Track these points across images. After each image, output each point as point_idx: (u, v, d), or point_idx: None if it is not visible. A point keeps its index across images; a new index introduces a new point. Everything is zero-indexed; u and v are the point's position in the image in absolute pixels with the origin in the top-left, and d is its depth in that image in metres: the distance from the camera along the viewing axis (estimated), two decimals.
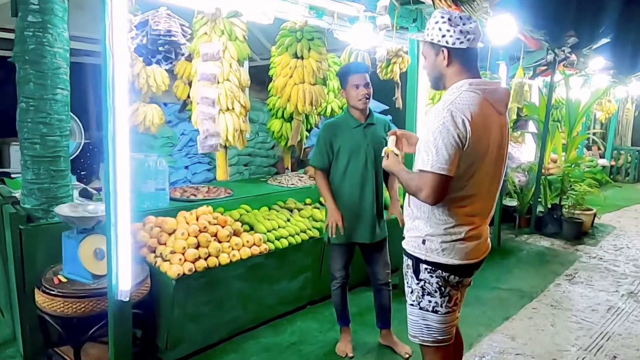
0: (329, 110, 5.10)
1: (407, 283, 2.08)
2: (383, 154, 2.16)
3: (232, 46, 3.12)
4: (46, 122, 2.79)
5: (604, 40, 5.85)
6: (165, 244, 2.94)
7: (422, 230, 1.97)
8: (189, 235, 2.95)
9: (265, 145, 6.84)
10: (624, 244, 6.14)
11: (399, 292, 3.15)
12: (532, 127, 7.36)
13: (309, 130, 4.69)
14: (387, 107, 6.77)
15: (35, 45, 2.69)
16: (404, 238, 2.12)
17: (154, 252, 2.95)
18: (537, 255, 5.56)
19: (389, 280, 3.12)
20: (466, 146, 1.78)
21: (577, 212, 6.44)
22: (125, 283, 2.23)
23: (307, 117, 4.41)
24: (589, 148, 11.09)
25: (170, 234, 2.99)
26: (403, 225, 2.84)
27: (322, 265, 3.76)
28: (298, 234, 3.57)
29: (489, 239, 2.05)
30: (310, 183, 4.57)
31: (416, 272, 2.00)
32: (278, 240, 3.43)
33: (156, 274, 2.83)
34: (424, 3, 3.69)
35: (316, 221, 3.90)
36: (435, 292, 1.98)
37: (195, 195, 3.73)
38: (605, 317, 3.91)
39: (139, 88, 3.16)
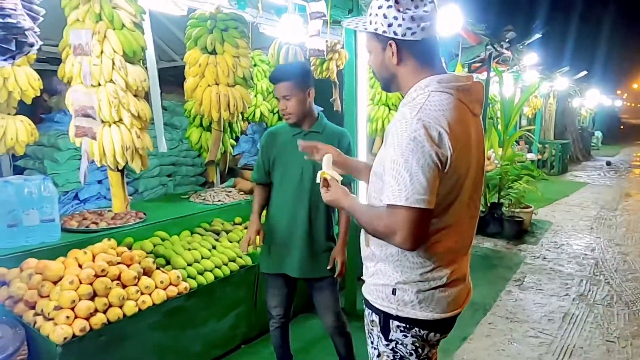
0: (257, 114, 4.54)
1: (372, 343, 1.59)
2: (318, 180, 1.61)
3: (114, 36, 2.36)
4: None
5: (537, 36, 5.76)
6: (48, 296, 2.25)
7: (390, 276, 1.49)
8: (80, 282, 2.28)
9: (191, 153, 6.13)
10: (564, 241, 6.11)
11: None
12: None
13: (236, 139, 4.09)
14: (322, 109, 6.31)
15: None
16: (361, 281, 1.63)
17: (34, 308, 2.25)
18: (483, 259, 5.35)
19: (343, 329, 2.57)
20: (447, 167, 1.32)
21: (517, 210, 6.35)
22: None
23: (230, 124, 3.79)
24: (517, 143, 11.34)
25: (55, 283, 2.31)
26: (338, 276, 2.35)
27: (256, 296, 3.22)
28: (226, 264, 3.00)
29: (469, 279, 1.61)
30: (240, 198, 4.00)
31: (384, 330, 1.52)
32: (201, 274, 2.84)
33: (35, 339, 2.15)
34: None
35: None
36: (411, 355, 1.51)
37: (96, 224, 3.03)
38: (563, 328, 3.68)
39: None
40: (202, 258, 2.94)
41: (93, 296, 2.29)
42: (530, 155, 10.65)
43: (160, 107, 3.00)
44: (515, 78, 7.71)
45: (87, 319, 2.22)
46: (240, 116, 3.46)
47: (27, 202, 2.69)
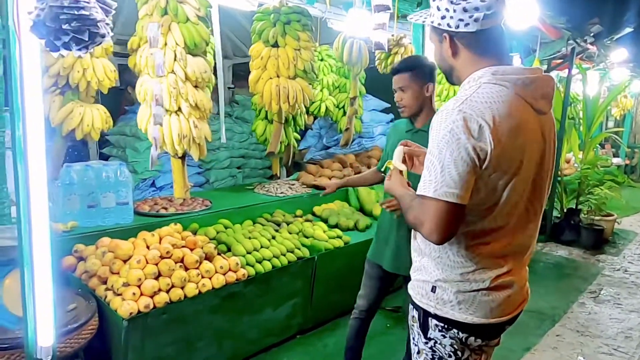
0: (322, 109, 4.57)
1: (414, 340, 1.56)
2: (383, 168, 1.64)
3: (177, 29, 2.47)
4: None
5: (627, 30, 5.30)
6: (118, 273, 2.42)
7: (431, 273, 1.45)
8: (147, 262, 2.43)
9: (260, 147, 6.32)
10: None
11: (402, 316, 2.65)
12: None
13: (301, 133, 4.14)
14: (388, 105, 6.24)
15: None
16: (408, 278, 1.61)
17: (106, 283, 2.43)
18: (555, 267, 5.03)
19: None
20: (485, 163, 1.25)
21: (596, 218, 5.90)
22: (46, 337, 1.72)
23: (294, 117, 3.84)
24: (602, 146, 10.53)
25: (125, 261, 2.48)
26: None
27: (313, 288, 3.25)
28: (284, 255, 3.05)
29: (526, 286, 1.52)
30: (302, 191, 4.06)
31: (423, 328, 1.49)
32: (260, 263, 2.91)
33: (105, 312, 2.32)
34: None
35: (306, 237, 3.38)
36: (450, 356, 1.46)
37: (166, 209, 3.21)
38: None
39: (73, 84, 2.63)
40: (262, 247, 3.02)
41: (158, 276, 2.43)
42: (616, 160, 9.86)
43: (223, 99, 3.10)
44: (601, 76, 7.15)
45: (152, 296, 2.35)
46: (302, 109, 3.50)
47: (105, 185, 2.91)
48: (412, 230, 1.57)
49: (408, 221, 1.39)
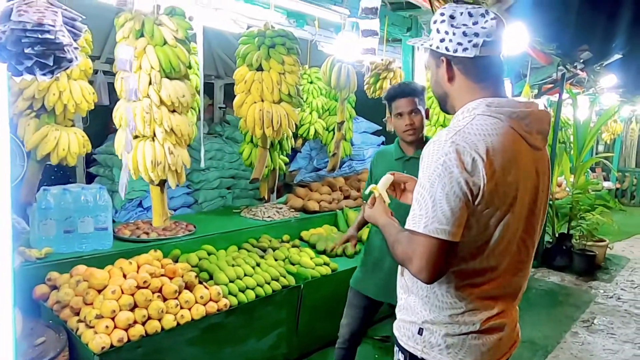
0: (311, 132, 4.51)
1: None
2: (367, 192, 1.57)
3: (152, 52, 2.40)
4: None
5: (616, 56, 5.34)
6: (92, 304, 2.31)
7: (418, 313, 1.36)
8: (122, 293, 2.32)
9: (250, 168, 6.27)
10: None
11: (391, 345, 2.56)
12: None
13: (288, 156, 4.07)
14: (379, 128, 6.21)
15: None
16: (393, 315, 1.51)
17: (78, 314, 2.31)
18: (548, 294, 4.95)
19: None
20: (478, 199, 1.19)
21: (588, 243, 5.85)
22: None
23: (280, 142, 3.78)
24: (592, 170, 10.56)
25: (100, 291, 2.36)
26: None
27: (299, 317, 3.14)
28: (269, 283, 2.95)
29: (517, 328, 1.44)
30: (290, 215, 3.98)
31: None
32: (243, 292, 2.80)
33: (76, 346, 2.20)
34: (420, 9, 3.15)
35: (293, 264, 3.28)
36: None
37: (147, 234, 3.11)
38: None
39: (49, 107, 2.54)
40: (245, 275, 2.91)
41: (133, 307, 2.32)
42: (607, 184, 9.88)
43: (202, 122, 3.04)
44: (591, 101, 7.19)
45: (126, 329, 2.24)
46: (288, 133, 3.44)
47: (84, 209, 2.81)
48: (399, 267, 1.48)
49: (395, 255, 1.30)
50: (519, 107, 1.27)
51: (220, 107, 6.75)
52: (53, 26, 1.20)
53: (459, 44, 1.28)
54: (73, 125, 2.80)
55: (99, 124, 4.88)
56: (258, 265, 3.10)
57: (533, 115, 1.28)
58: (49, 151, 2.60)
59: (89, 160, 5.33)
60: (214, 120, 6.55)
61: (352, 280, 2.56)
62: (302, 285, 3.09)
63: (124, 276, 2.46)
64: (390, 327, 2.87)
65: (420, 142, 2.35)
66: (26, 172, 2.70)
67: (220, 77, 6.50)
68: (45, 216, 2.69)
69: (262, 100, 3.17)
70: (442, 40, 1.31)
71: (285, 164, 4.24)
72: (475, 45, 1.27)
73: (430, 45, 1.35)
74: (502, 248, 1.27)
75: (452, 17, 1.29)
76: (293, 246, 3.59)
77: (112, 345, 2.17)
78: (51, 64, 1.23)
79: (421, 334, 1.35)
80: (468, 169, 1.16)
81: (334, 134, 4.97)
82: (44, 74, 1.25)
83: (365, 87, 4.24)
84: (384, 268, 2.38)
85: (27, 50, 1.18)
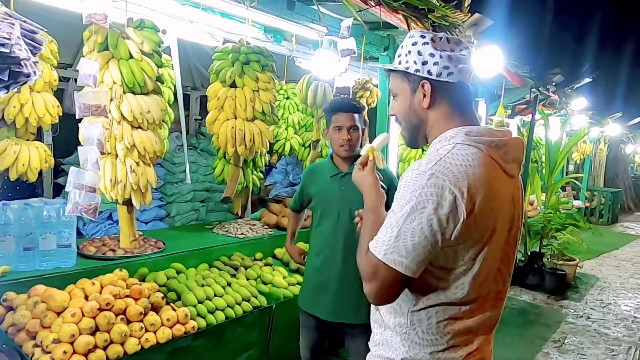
0: (287, 147, 4.47)
1: None
2: (363, 152, 1.43)
3: (114, 66, 2.31)
4: None
5: (587, 80, 5.49)
6: (49, 327, 2.19)
7: (396, 350, 1.30)
8: (83, 315, 2.21)
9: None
10: (611, 300, 5.63)
11: None
12: None
13: (268, 168, 4.01)
14: None
15: None
16: (367, 349, 1.45)
17: (35, 338, 2.19)
18: (520, 313, 4.99)
19: None
20: (455, 233, 1.15)
21: (559, 262, 5.94)
22: None
23: (254, 159, 3.71)
24: (563, 189, 10.81)
25: (59, 313, 2.24)
26: None
27: (269, 338, 3.05)
28: (239, 304, 2.86)
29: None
30: (263, 232, 3.89)
31: None
32: (212, 313, 2.71)
33: None
34: (397, 29, 3.16)
35: (265, 284, 3.21)
36: None
37: (114, 251, 2.98)
38: None
39: (9, 120, 2.42)
40: (215, 295, 2.82)
41: (95, 331, 2.20)
42: (576, 203, 10.11)
43: (186, 137, 2.95)
44: (562, 122, 7.37)
45: (86, 355, 2.12)
46: (263, 150, 3.38)
47: (46, 225, 2.68)
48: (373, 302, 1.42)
49: (357, 256, 1.26)
50: (497, 135, 1.25)
51: (195, 119, 6.65)
52: (8, 39, 1.12)
53: (445, 67, 1.24)
54: (39, 136, 2.66)
55: (70, 133, 4.73)
56: (229, 284, 3.01)
57: (510, 144, 1.26)
58: (8, 166, 2.47)
59: (57, 170, 5.16)
60: (189, 132, 6.45)
61: (300, 300, 2.52)
62: (274, 306, 3.02)
63: (86, 297, 2.34)
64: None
65: (354, 158, 2.36)
66: None
67: (196, 89, 6.41)
68: (3, 232, 2.55)
69: (235, 118, 3.10)
70: (424, 63, 1.25)
71: (260, 179, 4.17)
72: (460, 71, 1.25)
73: (407, 68, 1.28)
74: (481, 280, 1.24)
75: (433, 40, 1.26)
76: (266, 264, 3.51)
77: None
78: (6, 78, 1.15)
79: None
80: (444, 204, 1.12)
81: (309, 150, 4.93)
82: None
83: None
84: (330, 289, 2.35)
85: None
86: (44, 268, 2.64)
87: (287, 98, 4.73)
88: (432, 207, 1.12)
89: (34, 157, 2.52)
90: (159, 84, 2.54)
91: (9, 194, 4.26)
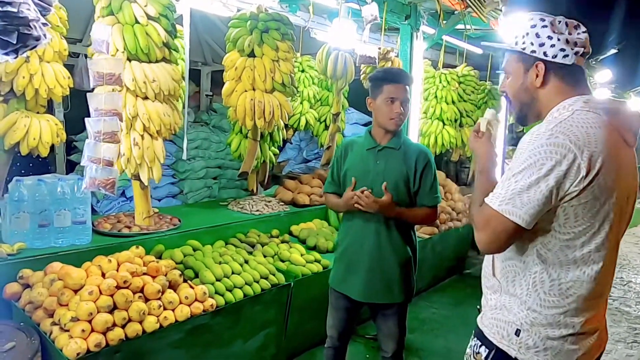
0: (302, 122, 4.35)
1: None
2: (473, 129, 1.57)
3: (117, 32, 2.17)
4: None
5: (612, 51, 5.26)
6: (67, 305, 2.14)
7: (516, 314, 1.35)
8: (100, 293, 2.16)
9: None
10: (631, 278, 5.52)
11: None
12: None
13: (279, 147, 3.91)
14: (371, 119, 6.07)
15: None
16: (479, 310, 1.52)
17: (52, 316, 2.15)
18: None
19: (399, 357, 2.39)
20: (576, 192, 1.21)
21: None
22: None
23: (270, 133, 3.60)
24: None
25: (76, 291, 2.20)
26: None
27: (287, 317, 3.01)
28: (257, 282, 2.81)
29: (604, 330, 1.42)
30: (279, 209, 3.83)
31: None
32: (230, 291, 2.66)
33: (49, 351, 2.04)
34: None
35: (282, 261, 3.15)
36: None
37: (129, 228, 2.93)
38: None
39: (18, 92, 2.32)
40: (233, 273, 2.77)
41: (113, 309, 2.16)
42: None
43: (186, 111, 2.83)
44: None
45: (104, 333, 2.08)
46: (280, 124, 3.26)
47: (60, 202, 2.63)
48: (488, 267, 1.47)
49: (470, 212, 1.40)
50: (614, 104, 1.34)
51: (207, 95, 6.55)
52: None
53: (562, 49, 1.31)
54: (50, 112, 2.57)
55: (81, 109, 4.66)
56: (246, 262, 2.95)
57: (627, 112, 1.33)
58: (18, 140, 2.37)
59: (70, 147, 5.12)
60: (200, 108, 6.36)
61: (331, 279, 2.44)
62: (292, 284, 2.96)
63: (103, 275, 2.29)
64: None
65: (395, 133, 2.25)
66: None
67: (207, 64, 6.30)
68: (18, 209, 2.51)
69: (254, 89, 2.96)
70: (541, 45, 1.32)
71: (275, 154, 4.08)
72: (576, 53, 1.31)
73: (523, 49, 1.35)
74: (602, 244, 1.28)
75: (552, 24, 1.32)
76: (282, 241, 3.45)
77: (88, 351, 2.01)
78: (14, 41, 1.06)
79: (518, 335, 1.35)
80: (563, 162, 1.19)
81: (325, 125, 4.82)
82: (7, 54, 1.08)
83: (362, 77, 4.09)
84: (362, 267, 2.27)
85: None
86: (59, 245, 2.61)
87: (302, 71, 4.59)
88: (550, 164, 1.19)
89: (45, 131, 2.43)
90: (172, 52, 2.41)
91: (22, 171, 4.23)
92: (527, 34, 1.34)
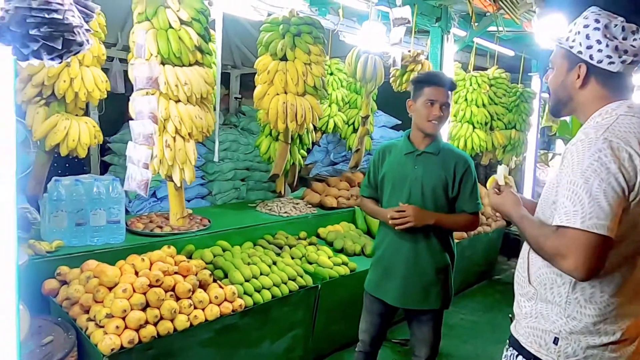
0: (330, 125, 4.36)
1: None
2: (489, 186, 1.58)
3: (152, 37, 2.23)
4: None
5: None
6: (102, 302, 2.21)
7: (554, 322, 1.33)
8: (134, 291, 2.21)
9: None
10: None
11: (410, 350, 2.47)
12: (560, 146, 6.68)
13: (307, 150, 3.93)
14: (399, 122, 6.04)
15: None
16: (511, 319, 1.50)
17: (88, 312, 2.22)
18: None
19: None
20: (632, 195, 1.20)
21: None
22: None
23: (300, 135, 3.63)
24: None
25: (110, 288, 2.26)
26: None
27: (315, 319, 3.02)
28: (285, 283, 2.82)
29: None
30: (307, 211, 3.84)
31: None
32: (259, 292, 2.68)
33: (85, 346, 2.10)
34: None
35: (310, 263, 3.16)
36: None
37: (161, 228, 3.00)
38: None
39: (59, 95, 2.42)
40: (261, 274, 2.79)
41: (145, 307, 2.21)
42: None
43: (218, 113, 2.87)
44: None
45: (137, 330, 2.13)
46: (310, 127, 3.29)
47: (96, 201, 2.71)
48: (523, 274, 1.43)
49: (538, 249, 1.30)
50: None
51: (236, 98, 6.64)
52: (61, 5, 1.07)
53: (608, 56, 1.28)
54: (85, 114, 2.67)
55: (115, 112, 4.80)
56: (274, 263, 2.98)
57: None
58: (58, 142, 2.47)
59: (104, 148, 5.26)
60: (229, 111, 6.45)
61: (367, 283, 2.43)
62: (319, 286, 2.97)
63: (136, 273, 2.35)
64: (408, 331, 2.77)
65: (434, 138, 2.24)
66: (34, 163, 2.58)
67: (236, 67, 6.38)
68: (56, 208, 2.59)
69: (286, 92, 3.00)
70: (589, 47, 1.30)
71: (303, 157, 4.11)
72: (623, 62, 1.28)
73: (571, 47, 1.34)
74: None
75: (606, 27, 1.28)
76: (310, 244, 3.46)
77: (122, 347, 2.06)
78: (59, 47, 1.10)
79: (556, 344, 1.32)
80: (625, 164, 1.18)
81: (353, 127, 4.82)
82: (52, 59, 1.13)
83: (391, 80, 4.07)
84: (399, 273, 2.26)
85: (32, 32, 1.05)
86: (94, 243, 2.68)
87: (331, 74, 4.61)
88: (615, 165, 1.17)
89: (83, 133, 2.52)
90: (204, 56, 2.46)
91: (59, 171, 4.38)
92: (579, 32, 1.32)
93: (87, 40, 1.20)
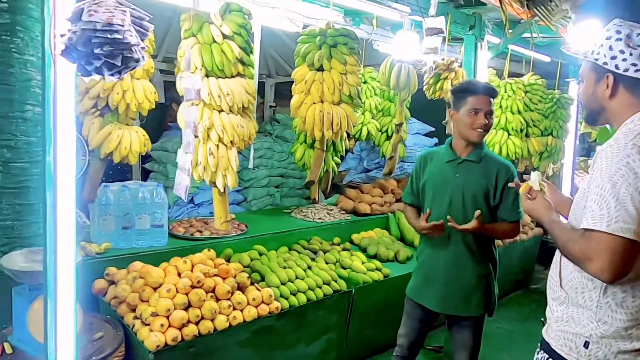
0: (364, 133, 4.42)
1: None
2: (522, 191, 1.60)
3: (197, 51, 2.38)
4: (11, 146, 2.28)
5: None
6: (147, 301, 2.33)
7: (585, 326, 1.35)
8: (177, 291, 2.33)
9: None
10: None
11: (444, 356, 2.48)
12: None
13: (341, 157, 4.00)
14: (433, 129, 6.03)
15: (1, 52, 2.19)
16: (543, 322, 1.53)
17: (134, 310, 2.34)
18: None
19: None
20: None
21: None
22: None
23: (334, 143, 3.70)
24: None
25: (155, 289, 2.38)
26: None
27: (349, 323, 3.07)
28: (320, 287, 2.89)
29: None
30: (341, 217, 3.90)
31: None
32: (294, 295, 2.76)
33: (132, 342, 2.22)
34: (484, 5, 2.99)
35: (344, 268, 3.21)
36: None
37: (200, 232, 3.12)
38: None
39: (113, 106, 2.59)
40: (297, 278, 2.87)
41: (187, 306, 2.32)
42: None
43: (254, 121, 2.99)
44: None
45: (180, 328, 2.24)
46: (344, 135, 3.37)
47: (141, 206, 2.85)
48: (555, 278, 1.47)
49: (567, 253, 1.34)
50: None
51: (270, 106, 6.79)
52: (122, 26, 1.19)
53: (634, 64, 1.32)
54: (135, 124, 2.84)
55: (155, 121, 4.99)
56: (309, 268, 3.05)
57: None
58: (112, 150, 2.65)
59: (144, 156, 5.48)
60: (264, 119, 6.60)
61: (408, 289, 2.46)
62: (353, 291, 3.02)
63: (179, 275, 2.47)
64: (443, 338, 2.78)
65: (476, 146, 2.25)
66: (89, 170, 2.76)
67: (271, 76, 6.54)
68: (105, 212, 2.75)
69: (322, 101, 3.11)
70: (613, 58, 1.34)
71: (337, 164, 4.18)
72: None
73: (596, 60, 1.38)
74: None
75: (628, 36, 1.32)
76: (344, 249, 3.52)
77: (166, 344, 2.17)
78: (119, 64, 1.22)
79: (587, 347, 1.34)
80: None
81: (386, 135, 4.86)
82: (112, 74, 1.25)
83: (425, 88, 4.10)
84: (440, 279, 2.28)
85: (96, 51, 1.18)
86: (139, 246, 2.83)
87: (365, 82, 4.67)
88: None
89: (135, 141, 2.69)
90: (246, 67, 2.58)
91: (103, 178, 4.61)
92: (602, 45, 1.37)
93: (143, 57, 1.32)
